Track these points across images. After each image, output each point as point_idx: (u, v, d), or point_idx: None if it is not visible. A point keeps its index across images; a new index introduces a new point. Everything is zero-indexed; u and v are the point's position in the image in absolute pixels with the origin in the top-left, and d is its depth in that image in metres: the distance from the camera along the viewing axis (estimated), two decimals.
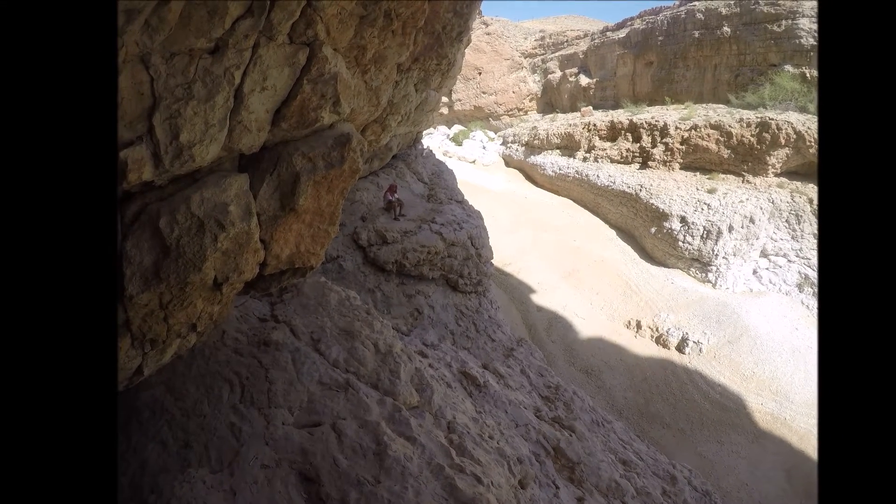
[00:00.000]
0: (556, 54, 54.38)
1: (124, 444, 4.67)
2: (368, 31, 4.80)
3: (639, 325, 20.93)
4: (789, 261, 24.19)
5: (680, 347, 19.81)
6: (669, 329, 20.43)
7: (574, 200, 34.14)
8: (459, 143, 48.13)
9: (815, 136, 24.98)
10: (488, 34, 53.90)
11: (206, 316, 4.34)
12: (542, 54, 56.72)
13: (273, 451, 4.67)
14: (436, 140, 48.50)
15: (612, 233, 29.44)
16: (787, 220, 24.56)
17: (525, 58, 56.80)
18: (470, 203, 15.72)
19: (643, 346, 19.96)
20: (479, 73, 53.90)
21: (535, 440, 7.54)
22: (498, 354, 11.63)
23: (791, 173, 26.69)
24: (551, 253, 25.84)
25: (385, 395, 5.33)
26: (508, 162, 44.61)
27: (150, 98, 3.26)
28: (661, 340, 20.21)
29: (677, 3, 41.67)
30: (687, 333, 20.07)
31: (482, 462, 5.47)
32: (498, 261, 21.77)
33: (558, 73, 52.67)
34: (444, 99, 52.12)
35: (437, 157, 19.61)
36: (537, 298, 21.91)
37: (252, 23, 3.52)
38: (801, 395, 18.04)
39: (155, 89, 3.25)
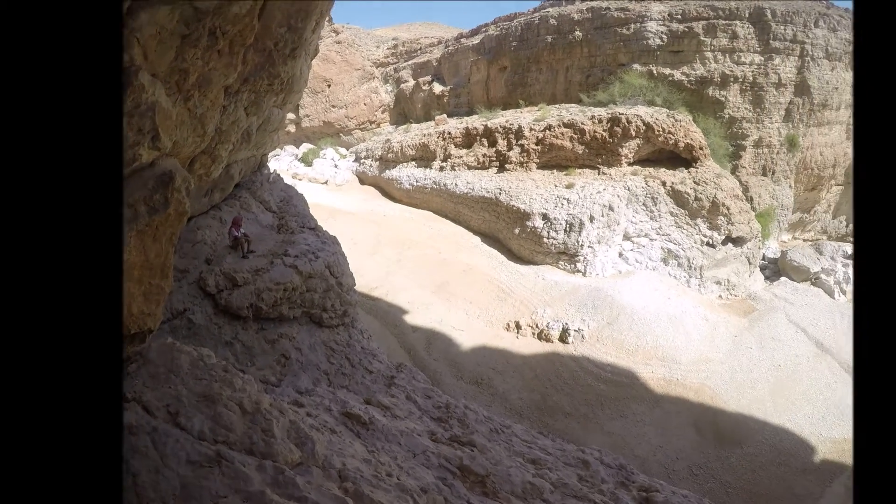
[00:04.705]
0: (410, 62, 55.32)
1: None
2: (191, 52, 4.42)
3: (518, 326, 21.63)
4: (651, 239, 26.65)
5: (563, 338, 20.87)
6: (549, 323, 21.45)
7: (434, 212, 34.71)
8: (309, 164, 47.00)
9: (663, 126, 27.75)
10: (338, 42, 53.06)
11: None
12: (395, 63, 57.31)
13: None
14: (283, 162, 47.09)
15: (477, 239, 30.26)
16: (644, 203, 27.01)
17: (377, 67, 56.91)
18: (325, 229, 15.27)
19: (527, 345, 20.70)
20: (329, 86, 52.91)
21: (437, 465, 7.40)
22: (379, 386, 11.35)
23: (643, 161, 29.53)
24: (418, 269, 25.98)
25: (263, 459, 4.90)
26: (363, 179, 44.36)
27: None
28: (543, 335, 21.11)
29: (531, 9, 44.76)
30: (567, 324, 21.24)
31: (383, 503, 5.23)
32: (363, 286, 21.51)
33: (411, 82, 53.50)
34: (291, 115, 50.67)
35: (286, 180, 18.88)
36: (411, 318, 21.88)
37: None
38: (686, 355, 20.09)
39: None
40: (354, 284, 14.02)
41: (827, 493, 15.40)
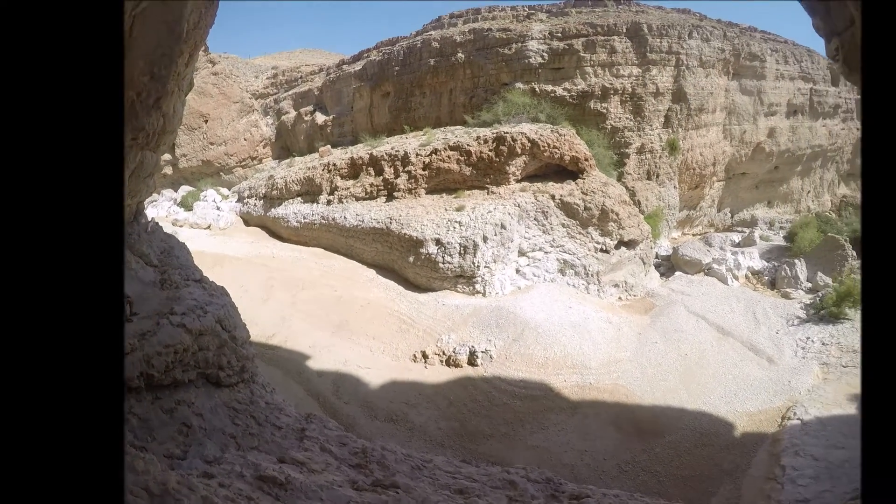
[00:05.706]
0: (290, 92, 54.31)
1: None
2: None
3: (425, 355, 21.64)
4: (546, 252, 27.79)
5: (471, 361, 21.14)
6: (455, 348, 21.66)
7: (325, 248, 34.24)
8: (190, 208, 44.84)
9: (548, 141, 29.12)
10: (215, 74, 50.81)
11: None
12: (276, 93, 56.07)
13: None
14: (162, 208, 44.76)
15: (372, 272, 30.11)
16: (535, 218, 28.13)
17: (257, 98, 55.35)
18: (211, 278, 14.69)
19: (437, 373, 20.77)
20: (206, 121, 50.50)
21: None
22: (291, 441, 11.05)
23: (531, 177, 30.75)
24: (315, 310, 25.49)
25: None
26: (248, 220, 43.00)
27: None
28: (451, 361, 21.26)
29: (413, 32, 45.74)
30: (473, 346, 21.56)
31: None
32: (259, 335, 20.91)
33: (293, 113, 52.53)
34: (167, 156, 48.24)
35: (166, 229, 18.05)
36: (314, 363, 21.43)
37: None
38: (595, 360, 21.08)
39: None
40: (249, 336, 13.57)
41: (754, 463, 16.43)
